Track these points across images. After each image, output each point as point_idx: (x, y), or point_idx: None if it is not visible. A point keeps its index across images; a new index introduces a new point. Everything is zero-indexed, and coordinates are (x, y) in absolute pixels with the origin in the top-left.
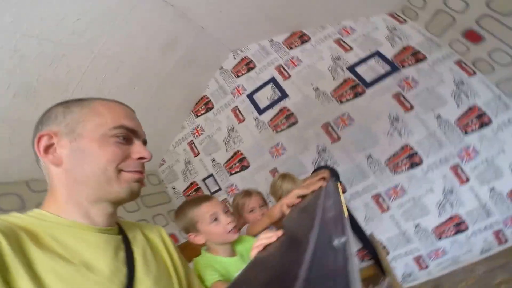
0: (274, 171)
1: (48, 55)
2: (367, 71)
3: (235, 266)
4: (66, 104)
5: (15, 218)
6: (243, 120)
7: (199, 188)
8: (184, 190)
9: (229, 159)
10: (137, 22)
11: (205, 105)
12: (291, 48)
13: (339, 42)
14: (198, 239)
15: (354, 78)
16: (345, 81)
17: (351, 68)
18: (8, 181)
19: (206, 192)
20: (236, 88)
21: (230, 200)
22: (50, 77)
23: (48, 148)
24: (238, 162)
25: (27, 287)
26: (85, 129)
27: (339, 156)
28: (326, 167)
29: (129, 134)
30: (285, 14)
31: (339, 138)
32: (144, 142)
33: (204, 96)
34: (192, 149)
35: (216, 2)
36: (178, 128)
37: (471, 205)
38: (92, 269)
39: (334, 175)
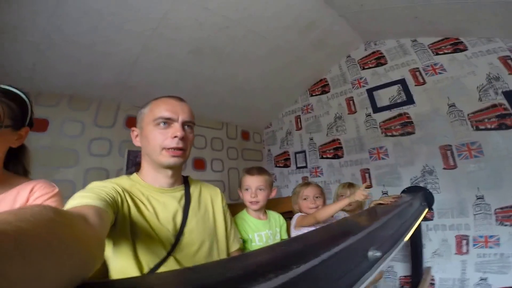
0: (365, 171)
1: (217, 25)
2: None
3: (257, 225)
4: (141, 106)
5: (121, 179)
6: (354, 112)
7: (289, 158)
8: (276, 156)
9: (326, 144)
10: (286, 4)
11: (321, 87)
12: (437, 53)
13: (505, 60)
14: (240, 196)
15: (508, 106)
16: (493, 106)
17: (509, 94)
18: None
19: (293, 165)
20: (357, 79)
21: (311, 179)
22: (213, 42)
23: (136, 136)
24: (333, 150)
25: (127, 209)
26: (145, 123)
27: (444, 184)
28: (424, 189)
29: (167, 121)
30: (441, 17)
31: (455, 166)
32: (184, 123)
33: (324, 78)
34: (296, 122)
35: None
36: (291, 101)
37: None
38: (158, 215)
39: (428, 200)
